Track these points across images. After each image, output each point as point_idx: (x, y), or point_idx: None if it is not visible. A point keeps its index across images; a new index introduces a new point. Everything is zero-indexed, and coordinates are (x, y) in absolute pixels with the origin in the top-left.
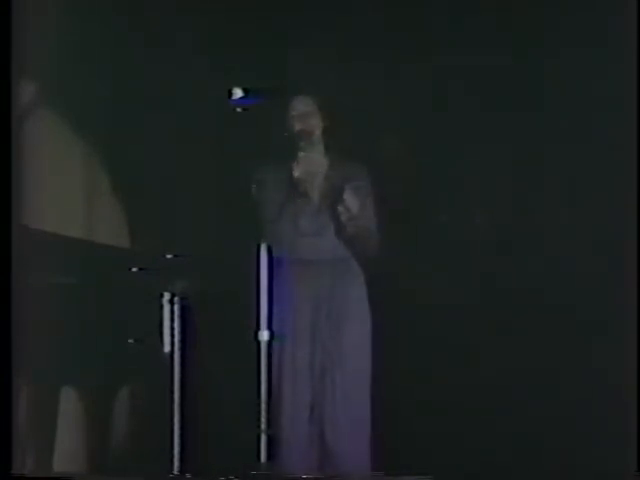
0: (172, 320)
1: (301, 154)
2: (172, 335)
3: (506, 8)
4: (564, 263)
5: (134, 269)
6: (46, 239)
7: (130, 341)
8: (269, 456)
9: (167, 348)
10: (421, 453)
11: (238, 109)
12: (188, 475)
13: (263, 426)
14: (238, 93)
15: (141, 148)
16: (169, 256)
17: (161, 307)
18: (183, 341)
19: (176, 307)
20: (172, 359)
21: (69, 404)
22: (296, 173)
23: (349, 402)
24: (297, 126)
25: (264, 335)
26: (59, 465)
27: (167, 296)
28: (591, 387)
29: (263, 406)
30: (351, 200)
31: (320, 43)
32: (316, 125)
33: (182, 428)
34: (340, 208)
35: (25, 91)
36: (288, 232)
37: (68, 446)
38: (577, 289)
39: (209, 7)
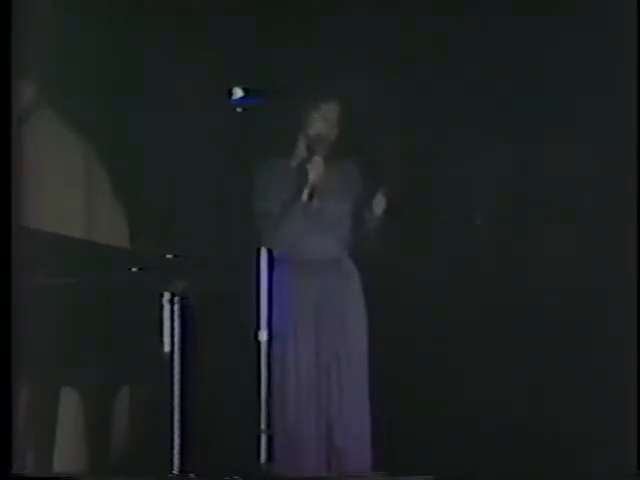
0: (172, 320)
1: (311, 156)
2: (172, 335)
3: (506, 7)
4: (564, 262)
5: (134, 269)
6: (46, 239)
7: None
8: (269, 456)
9: (167, 348)
10: (422, 453)
11: (238, 109)
12: (189, 475)
13: (263, 426)
14: (238, 93)
15: (141, 148)
16: (169, 256)
17: (161, 307)
18: (183, 341)
19: (176, 307)
20: (172, 359)
21: (69, 404)
22: (302, 173)
23: (349, 402)
24: (318, 130)
25: (264, 335)
26: (59, 465)
27: (167, 296)
28: (591, 387)
29: (263, 406)
30: (353, 201)
31: (320, 43)
32: (334, 129)
33: (182, 428)
34: (342, 209)
35: (25, 91)
36: (289, 232)
37: (68, 446)
38: (577, 289)
39: (209, 7)
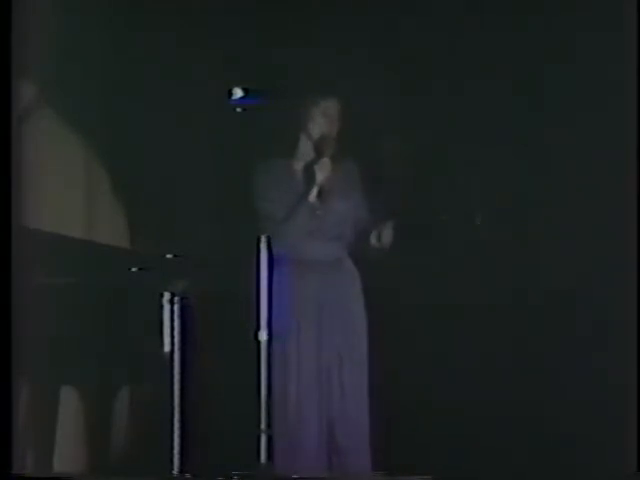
0: (172, 320)
1: (314, 156)
2: (172, 335)
3: (506, 7)
4: (564, 262)
5: (134, 269)
6: (46, 239)
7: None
8: (269, 456)
9: (167, 348)
10: (421, 453)
11: (238, 109)
12: (188, 475)
13: (263, 426)
14: (238, 93)
15: (141, 148)
16: (169, 256)
17: (161, 307)
18: (183, 341)
19: (176, 307)
20: (172, 359)
21: (69, 404)
22: (306, 173)
23: (350, 402)
24: (318, 130)
25: (264, 335)
26: (59, 465)
27: (167, 296)
28: (591, 387)
29: (263, 406)
30: (354, 201)
31: (320, 43)
32: (334, 129)
33: (182, 428)
34: (343, 209)
35: (25, 91)
36: (290, 232)
37: (68, 446)
38: (577, 289)
39: (209, 7)
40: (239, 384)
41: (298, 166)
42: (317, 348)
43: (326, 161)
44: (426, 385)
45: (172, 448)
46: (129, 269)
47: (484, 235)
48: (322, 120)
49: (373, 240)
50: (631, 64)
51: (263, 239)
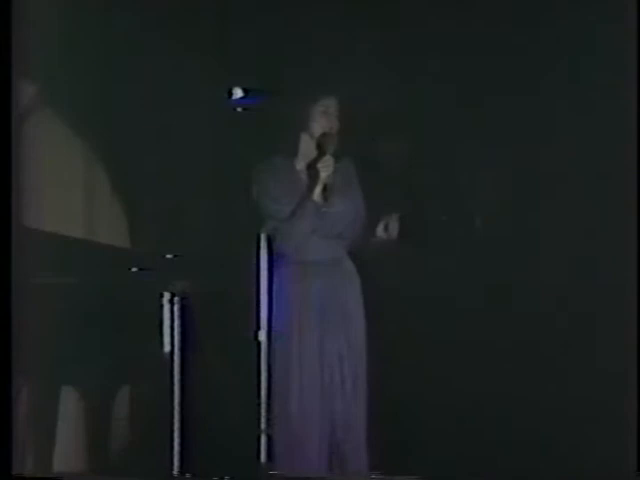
0: (172, 320)
1: (317, 155)
2: (172, 335)
3: (506, 7)
4: (563, 262)
5: (134, 269)
6: (46, 239)
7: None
8: (269, 456)
9: (167, 348)
10: (421, 453)
11: (238, 109)
12: (188, 475)
13: (263, 426)
14: (238, 93)
15: (141, 148)
16: (169, 256)
17: (161, 307)
18: (183, 341)
19: (176, 307)
20: (172, 359)
21: (69, 404)
22: (308, 172)
23: (350, 402)
24: (323, 129)
25: (264, 335)
26: (59, 465)
27: (167, 296)
28: (591, 387)
29: (263, 406)
30: (358, 202)
31: (320, 43)
32: (334, 129)
33: (182, 428)
34: (344, 208)
35: (25, 91)
36: (291, 233)
37: (68, 446)
38: (577, 288)
39: (209, 7)
40: (239, 384)
41: (298, 166)
42: (317, 348)
43: (326, 161)
44: (426, 385)
45: (172, 448)
46: (129, 269)
47: (484, 235)
48: (322, 119)
49: (380, 232)
50: (631, 64)
51: (263, 237)
